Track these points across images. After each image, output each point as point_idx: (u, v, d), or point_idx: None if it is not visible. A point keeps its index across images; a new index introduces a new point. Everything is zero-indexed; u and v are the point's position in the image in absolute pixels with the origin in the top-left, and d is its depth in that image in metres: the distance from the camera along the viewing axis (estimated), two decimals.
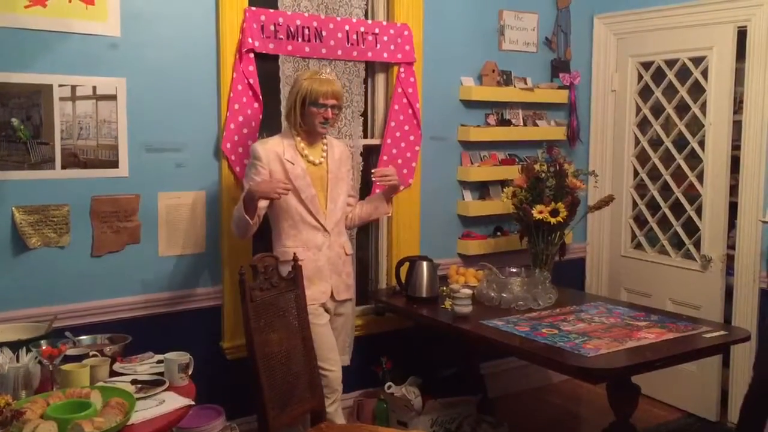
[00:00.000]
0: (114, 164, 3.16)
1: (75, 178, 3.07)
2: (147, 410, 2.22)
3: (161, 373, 2.51)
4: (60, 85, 3.00)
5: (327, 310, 3.21)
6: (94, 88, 3.08)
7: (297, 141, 3.16)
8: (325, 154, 3.22)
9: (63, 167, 3.04)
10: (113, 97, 3.13)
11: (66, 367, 2.35)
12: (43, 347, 2.36)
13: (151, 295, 3.30)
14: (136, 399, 2.23)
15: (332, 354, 3.15)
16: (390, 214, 3.72)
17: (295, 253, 3.02)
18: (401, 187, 3.66)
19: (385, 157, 3.83)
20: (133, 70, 3.17)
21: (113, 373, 2.51)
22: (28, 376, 2.33)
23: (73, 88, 3.04)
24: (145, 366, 2.60)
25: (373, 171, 3.32)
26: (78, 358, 2.49)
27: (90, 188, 3.11)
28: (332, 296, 3.22)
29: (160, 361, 2.60)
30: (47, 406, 2.09)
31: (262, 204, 3.06)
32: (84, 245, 3.12)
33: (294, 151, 3.14)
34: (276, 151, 3.11)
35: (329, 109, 3.09)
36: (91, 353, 2.57)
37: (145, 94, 3.20)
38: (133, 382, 2.41)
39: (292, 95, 3.14)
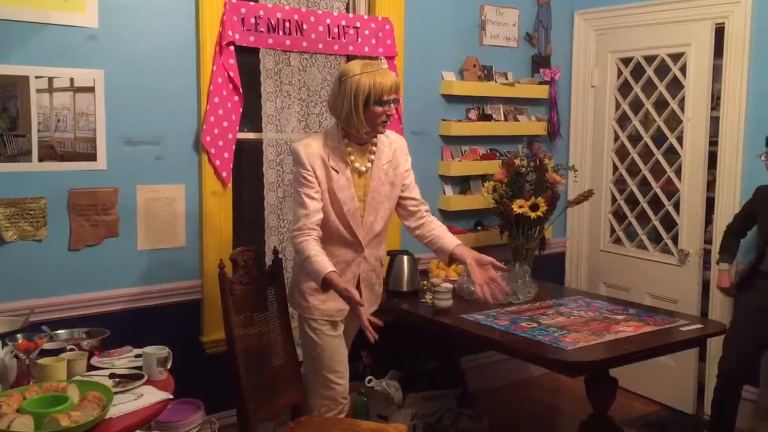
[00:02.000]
0: (92, 157, 3.13)
1: (52, 170, 3.04)
2: (125, 404, 2.20)
3: (139, 368, 2.49)
4: (37, 77, 2.97)
5: (339, 322, 2.91)
6: (72, 80, 3.05)
7: (344, 145, 2.74)
8: (372, 158, 2.81)
9: (40, 160, 3.01)
10: (91, 89, 3.10)
11: (43, 361, 2.33)
12: (20, 341, 2.33)
13: (129, 289, 3.27)
14: (114, 393, 2.21)
15: (342, 366, 2.89)
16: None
17: (275, 246, 3.00)
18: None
19: None
20: (112, 62, 3.14)
21: (91, 368, 2.49)
22: (4, 370, 2.31)
23: (51, 79, 3.00)
24: (123, 360, 2.58)
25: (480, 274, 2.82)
26: (55, 352, 2.47)
27: (67, 181, 3.08)
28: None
29: (138, 356, 2.58)
30: (23, 400, 2.07)
31: (318, 216, 2.71)
32: (61, 239, 3.09)
33: (340, 158, 2.74)
34: (321, 156, 2.72)
35: (392, 105, 2.69)
36: (68, 347, 2.55)
37: (124, 86, 3.18)
38: (111, 376, 2.39)
39: (347, 95, 2.65)
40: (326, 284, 2.59)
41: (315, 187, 2.71)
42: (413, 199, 2.96)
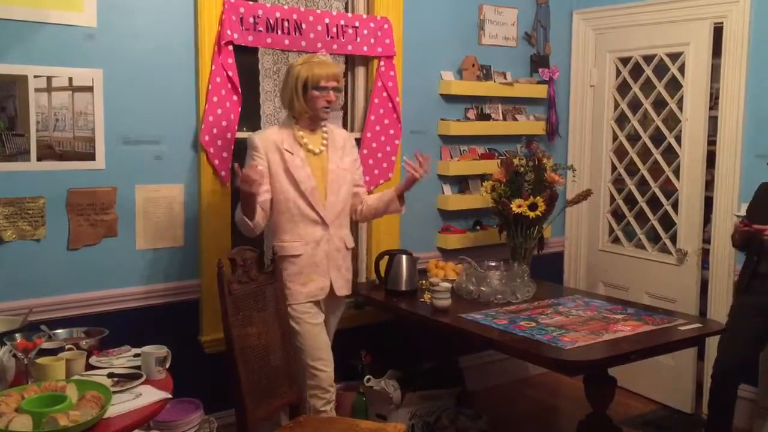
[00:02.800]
0: (91, 156, 3.13)
1: (51, 170, 3.04)
2: (123, 404, 2.20)
3: (138, 367, 2.49)
4: (35, 76, 2.96)
5: (322, 309, 3.13)
6: (71, 79, 3.05)
7: (295, 129, 3.05)
8: (325, 143, 3.10)
9: (38, 159, 3.00)
10: (90, 89, 3.10)
11: (41, 360, 2.33)
12: (18, 340, 2.33)
13: (128, 288, 3.27)
14: (113, 392, 2.21)
15: (325, 354, 3.05)
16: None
17: (274, 246, 3.01)
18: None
19: (365, 151, 3.83)
20: (110, 62, 3.14)
21: (89, 367, 2.49)
22: (2, 370, 2.31)
23: (49, 79, 3.00)
24: (121, 359, 2.58)
25: (406, 158, 3.20)
26: (53, 352, 2.47)
27: (66, 181, 3.08)
28: (332, 292, 3.13)
29: (137, 355, 2.58)
30: (22, 400, 2.07)
31: (263, 198, 2.95)
32: (60, 238, 3.09)
33: (293, 140, 3.03)
34: (274, 141, 3.00)
35: (331, 92, 2.99)
36: (66, 347, 2.55)
37: (123, 85, 3.17)
38: (110, 375, 2.39)
39: (289, 83, 3.01)
40: (242, 203, 2.90)
41: (261, 166, 2.95)
42: (361, 186, 3.31)
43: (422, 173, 3.15)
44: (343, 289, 3.17)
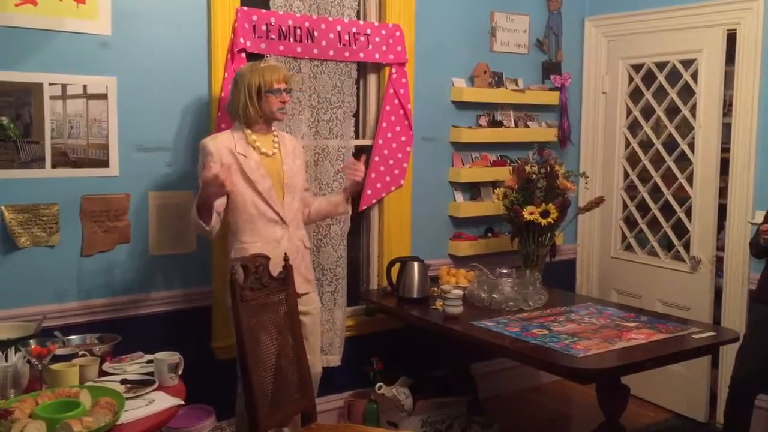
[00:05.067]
0: (104, 163, 3.15)
1: (65, 177, 3.06)
2: (136, 410, 2.21)
3: (151, 373, 2.50)
4: (50, 84, 2.99)
5: None
6: (85, 87, 3.07)
7: (248, 134, 3.07)
8: (277, 146, 3.15)
9: (53, 166, 3.03)
10: (104, 96, 3.12)
11: (55, 366, 2.34)
12: (32, 346, 2.34)
13: (140, 295, 3.28)
14: (126, 399, 2.22)
15: None
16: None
17: (286, 253, 3.01)
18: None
19: (377, 158, 3.83)
20: (124, 69, 3.16)
21: (102, 373, 2.50)
22: (16, 376, 2.32)
23: (64, 86, 3.02)
24: (134, 366, 2.59)
25: (343, 164, 3.28)
26: (67, 358, 2.47)
27: (80, 187, 3.10)
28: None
29: (149, 361, 2.59)
30: (36, 406, 2.08)
31: (219, 202, 2.95)
32: (74, 244, 3.11)
33: (245, 144, 3.06)
34: (227, 146, 3.03)
35: (284, 93, 3.06)
36: (80, 353, 2.56)
37: (136, 93, 3.19)
38: (123, 381, 2.40)
39: (240, 90, 3.03)
40: (200, 200, 2.87)
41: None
42: (308, 189, 3.38)
43: (361, 175, 3.27)
44: (302, 286, 3.17)
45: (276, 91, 3.04)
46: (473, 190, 4.28)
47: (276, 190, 3.09)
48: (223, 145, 3.03)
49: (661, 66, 4.30)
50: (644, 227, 4.48)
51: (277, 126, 3.23)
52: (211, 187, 2.80)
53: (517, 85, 4.34)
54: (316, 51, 3.57)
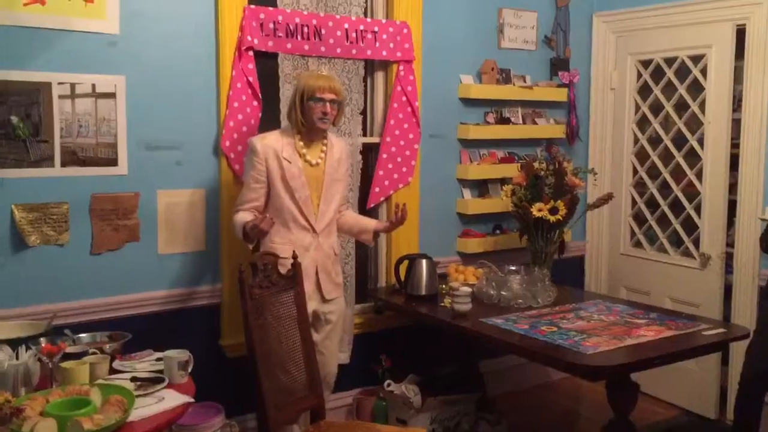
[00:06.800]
0: (113, 162, 3.16)
1: (74, 176, 3.07)
2: (146, 408, 2.22)
3: (161, 371, 2.51)
4: (59, 83, 3.00)
5: (315, 314, 3.20)
6: (94, 85, 3.08)
7: (296, 140, 3.14)
8: (323, 155, 3.19)
9: (62, 165, 3.04)
10: (112, 95, 3.13)
11: (65, 364, 2.35)
12: (43, 345, 2.36)
13: (150, 293, 3.30)
14: (136, 396, 2.23)
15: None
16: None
17: (294, 251, 3.02)
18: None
19: (384, 155, 3.83)
20: (133, 68, 3.17)
21: (113, 371, 2.51)
22: (27, 374, 2.33)
23: (72, 86, 3.04)
24: (144, 363, 2.60)
25: (399, 206, 3.32)
26: (77, 356, 2.49)
27: (89, 186, 3.11)
28: (321, 297, 3.21)
29: (159, 359, 2.60)
30: (47, 404, 2.09)
31: (256, 204, 3.14)
32: (83, 243, 3.12)
33: (292, 150, 3.12)
34: (274, 148, 3.10)
35: (327, 104, 3.07)
36: (90, 351, 2.57)
37: (145, 91, 3.20)
38: (133, 379, 2.41)
39: (292, 96, 3.15)
40: (245, 234, 3.05)
41: (262, 174, 3.09)
42: (344, 197, 3.38)
43: (400, 224, 3.34)
44: (332, 292, 3.25)
45: (318, 100, 3.06)
46: (481, 187, 4.27)
47: (313, 198, 3.16)
48: (270, 146, 3.10)
49: (669, 62, 4.28)
50: (653, 224, 4.46)
51: (330, 129, 3.26)
52: (254, 231, 2.99)
53: (525, 81, 4.33)
54: (323, 49, 3.57)
